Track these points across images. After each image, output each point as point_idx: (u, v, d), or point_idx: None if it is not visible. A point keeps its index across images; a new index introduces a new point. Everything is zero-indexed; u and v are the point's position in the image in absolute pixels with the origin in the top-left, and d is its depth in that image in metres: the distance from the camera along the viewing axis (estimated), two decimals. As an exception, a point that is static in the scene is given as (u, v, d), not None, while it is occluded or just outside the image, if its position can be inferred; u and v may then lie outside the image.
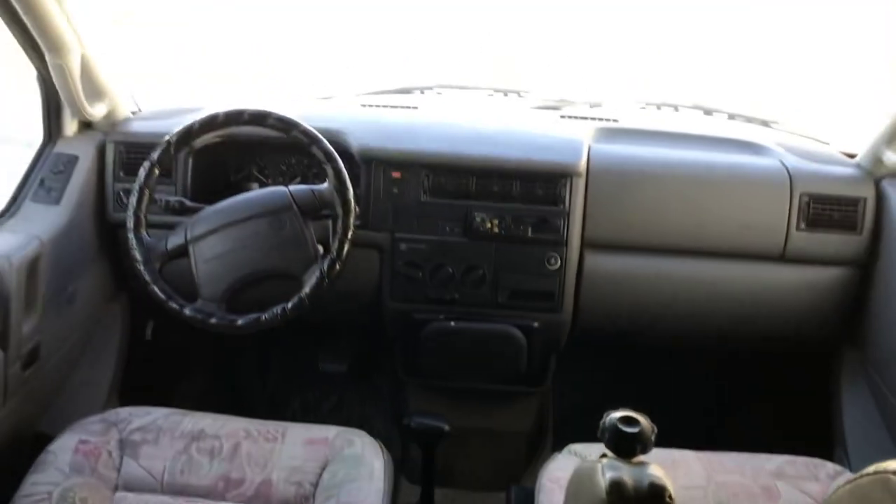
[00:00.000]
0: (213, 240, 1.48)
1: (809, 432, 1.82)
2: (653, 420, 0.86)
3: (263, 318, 1.45)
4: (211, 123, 1.51)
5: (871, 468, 0.65)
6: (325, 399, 2.25)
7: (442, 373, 1.89)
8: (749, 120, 2.04)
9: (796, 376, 2.02)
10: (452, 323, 1.74)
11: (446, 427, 1.60)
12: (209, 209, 1.52)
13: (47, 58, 1.55)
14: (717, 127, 2.00)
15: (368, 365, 2.28)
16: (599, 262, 1.74)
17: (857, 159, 1.78)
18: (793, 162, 1.76)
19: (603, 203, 1.71)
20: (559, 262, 1.70)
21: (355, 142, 1.71)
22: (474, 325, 1.75)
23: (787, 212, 1.69)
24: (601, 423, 0.84)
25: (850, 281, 1.73)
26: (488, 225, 1.70)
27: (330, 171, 1.48)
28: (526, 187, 1.70)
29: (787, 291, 1.74)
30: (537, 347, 1.77)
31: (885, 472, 0.63)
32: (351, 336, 2.26)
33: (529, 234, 1.70)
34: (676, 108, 2.10)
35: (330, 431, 1.45)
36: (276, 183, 1.81)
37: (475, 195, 1.71)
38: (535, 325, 1.74)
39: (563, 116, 2.01)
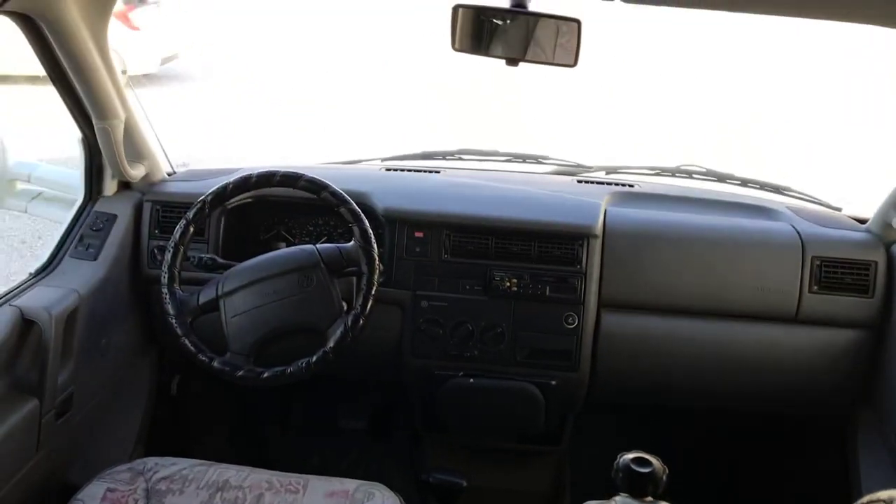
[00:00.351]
0: (243, 295, 1.54)
1: (827, 496, 1.81)
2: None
3: (288, 371, 1.50)
4: (244, 184, 1.59)
5: (865, 498, 0.67)
6: (344, 455, 2.27)
7: (460, 429, 1.91)
8: (761, 186, 2.10)
9: (813, 438, 2.02)
10: (471, 380, 1.78)
11: (464, 483, 1.62)
12: (240, 266, 1.59)
13: (94, 122, 1.65)
14: (730, 192, 2.06)
15: (387, 422, 2.31)
16: (616, 322, 1.78)
17: (867, 225, 1.83)
18: (804, 226, 1.81)
19: (619, 264, 1.76)
20: (577, 321, 1.75)
21: (380, 203, 1.79)
22: (493, 383, 1.78)
23: (800, 274, 1.73)
24: (614, 463, 0.87)
25: (864, 343, 1.75)
26: (507, 284, 1.75)
27: (356, 231, 1.55)
28: (544, 248, 1.76)
29: (801, 353, 1.76)
30: (555, 406, 1.80)
31: (878, 500, 0.65)
32: (370, 393, 2.29)
33: (547, 293, 1.75)
34: (690, 175, 2.16)
35: (350, 485, 1.48)
36: (303, 242, 1.88)
37: (495, 255, 1.77)
38: (553, 383, 1.78)
39: (579, 181, 2.08)
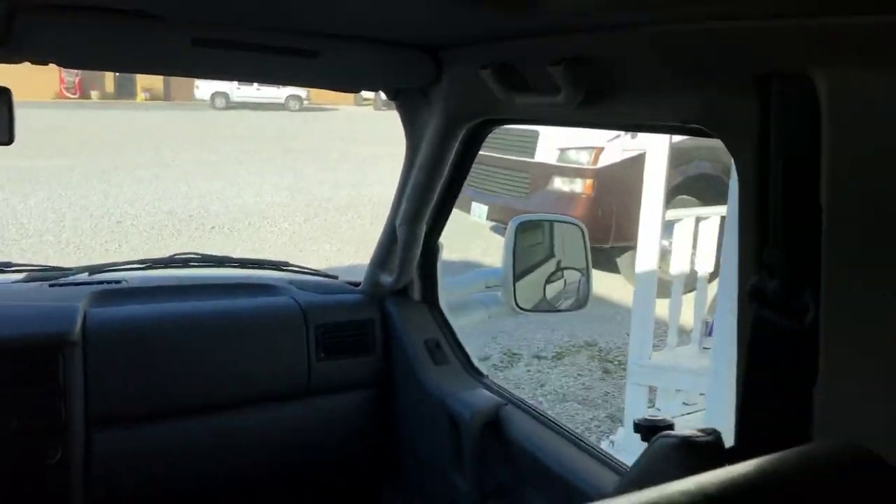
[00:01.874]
0: None
1: None
2: None
3: None
4: None
5: None
6: None
7: None
8: (261, 265, 2.05)
9: None
10: None
11: None
12: None
13: None
14: (232, 275, 1.96)
15: None
16: (112, 443, 1.51)
17: (360, 287, 1.89)
18: (304, 296, 1.79)
19: (107, 373, 1.51)
20: (59, 452, 1.42)
21: None
22: None
23: (306, 345, 1.70)
24: None
25: (374, 402, 1.78)
26: None
27: None
28: (12, 368, 1.42)
29: (318, 423, 1.72)
30: None
31: None
32: None
33: (15, 425, 1.39)
34: (186, 263, 2.01)
35: None
36: None
37: None
38: None
39: (52, 285, 1.76)
